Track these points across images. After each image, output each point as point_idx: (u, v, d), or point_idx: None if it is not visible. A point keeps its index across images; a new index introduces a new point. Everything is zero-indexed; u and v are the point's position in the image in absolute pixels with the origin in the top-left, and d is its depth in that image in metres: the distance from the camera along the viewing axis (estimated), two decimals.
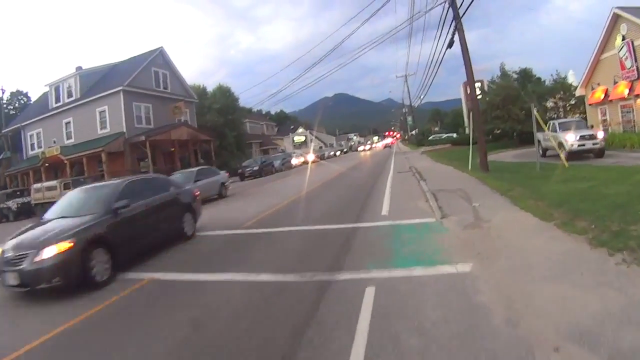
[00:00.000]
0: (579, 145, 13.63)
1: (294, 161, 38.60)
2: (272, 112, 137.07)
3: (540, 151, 14.99)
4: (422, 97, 41.66)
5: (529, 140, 22.88)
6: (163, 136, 26.56)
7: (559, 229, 5.14)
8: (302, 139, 75.43)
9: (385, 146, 73.70)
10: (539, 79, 27.86)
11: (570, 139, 13.81)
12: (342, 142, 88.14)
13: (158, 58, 29.88)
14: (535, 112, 10.99)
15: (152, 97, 28.17)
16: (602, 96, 19.40)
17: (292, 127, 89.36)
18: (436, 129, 66.92)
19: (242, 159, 34.80)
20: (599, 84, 19.85)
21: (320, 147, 74.48)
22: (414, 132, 77.73)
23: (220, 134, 36.07)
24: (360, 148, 71.72)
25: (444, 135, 51.90)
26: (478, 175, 11.45)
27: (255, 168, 28.63)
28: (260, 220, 9.18)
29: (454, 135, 50.73)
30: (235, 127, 37.44)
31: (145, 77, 28.23)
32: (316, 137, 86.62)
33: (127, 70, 27.83)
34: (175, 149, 27.82)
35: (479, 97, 38.68)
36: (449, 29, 12.35)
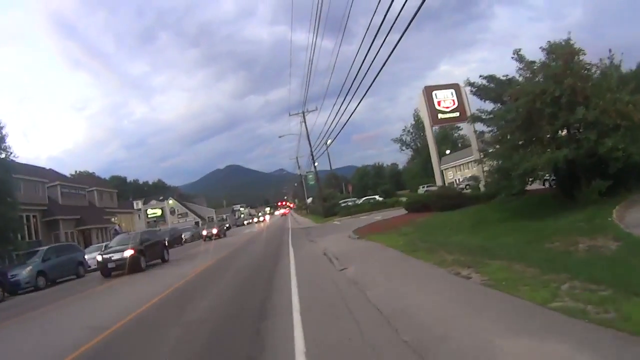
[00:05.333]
0: None
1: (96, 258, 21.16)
2: (150, 182, 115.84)
3: None
4: (328, 141, 29.59)
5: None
6: None
7: None
8: (158, 212, 56.91)
9: (282, 215, 77.65)
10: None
11: None
12: (225, 216, 71.54)
13: None
14: None
15: None
16: None
17: (161, 197, 69.92)
18: (339, 193, 55.71)
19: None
20: None
21: (196, 223, 60.32)
22: (309, 199, 66.17)
23: None
24: (204, 232, 32.78)
25: (360, 201, 39.05)
26: None
27: None
28: None
29: (377, 197, 40.54)
30: None
31: None
32: (191, 211, 68.88)
33: None
34: None
35: (453, 115, 21.33)
36: None
